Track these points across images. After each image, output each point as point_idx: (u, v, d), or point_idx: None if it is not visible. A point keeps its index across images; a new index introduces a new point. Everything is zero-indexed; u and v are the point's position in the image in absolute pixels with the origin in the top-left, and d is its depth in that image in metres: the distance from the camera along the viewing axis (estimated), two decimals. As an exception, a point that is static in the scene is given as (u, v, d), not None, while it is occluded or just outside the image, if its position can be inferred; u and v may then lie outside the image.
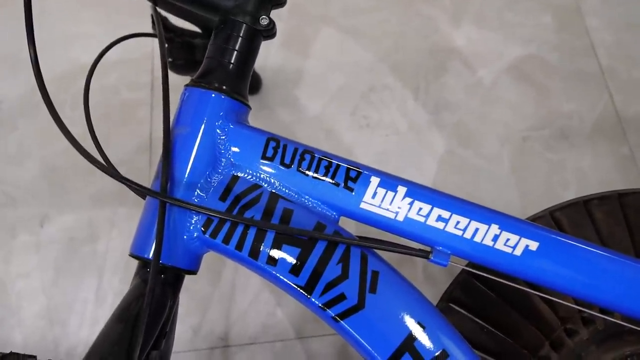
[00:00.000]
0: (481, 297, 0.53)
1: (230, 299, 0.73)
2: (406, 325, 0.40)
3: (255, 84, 0.85)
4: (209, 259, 0.59)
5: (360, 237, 0.41)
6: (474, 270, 0.43)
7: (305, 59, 0.87)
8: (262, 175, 0.43)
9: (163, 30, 0.52)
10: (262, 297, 0.73)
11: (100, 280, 0.75)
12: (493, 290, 0.53)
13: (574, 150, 0.78)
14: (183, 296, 0.65)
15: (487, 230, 0.41)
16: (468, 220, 0.41)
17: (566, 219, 0.53)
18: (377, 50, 0.87)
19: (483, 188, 0.76)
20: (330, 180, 0.42)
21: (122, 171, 0.39)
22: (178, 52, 0.61)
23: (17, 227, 0.81)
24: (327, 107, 0.84)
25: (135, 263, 0.43)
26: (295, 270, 0.41)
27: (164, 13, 0.62)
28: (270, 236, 0.41)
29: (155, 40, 0.60)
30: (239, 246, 0.41)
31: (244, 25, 0.44)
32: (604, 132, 0.79)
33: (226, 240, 0.41)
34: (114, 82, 0.84)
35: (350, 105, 0.83)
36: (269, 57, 0.88)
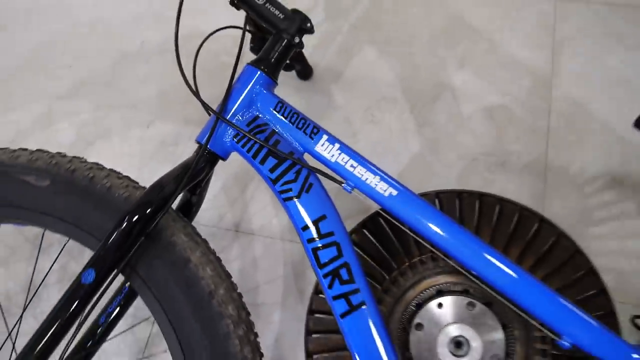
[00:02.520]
0: (380, 228, 0.89)
1: (248, 204, 1.13)
2: (319, 212, 0.77)
3: (308, 73, 1.22)
4: (241, 175, 0.98)
5: (310, 166, 0.78)
6: (381, 212, 0.79)
7: (347, 66, 1.25)
8: (270, 118, 0.81)
9: (251, 27, 0.91)
10: (267, 209, 1.12)
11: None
12: (388, 225, 0.88)
13: (505, 177, 1.10)
14: (221, 197, 1.05)
15: (373, 179, 0.76)
16: (365, 170, 0.77)
17: (444, 199, 0.88)
18: (398, 72, 1.22)
19: (431, 181, 1.11)
20: (302, 131, 0.79)
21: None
22: (257, 42, 1.00)
23: (132, 123, 1.25)
24: (350, 102, 1.21)
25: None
26: (272, 170, 0.78)
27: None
28: (265, 150, 0.79)
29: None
30: (248, 151, 0.79)
31: (285, 40, 0.82)
32: (531, 171, 1.11)
33: (243, 147, 0.80)
34: (216, 48, 1.25)
35: (366, 105, 1.20)
36: (324, 58, 1.26)
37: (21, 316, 0.84)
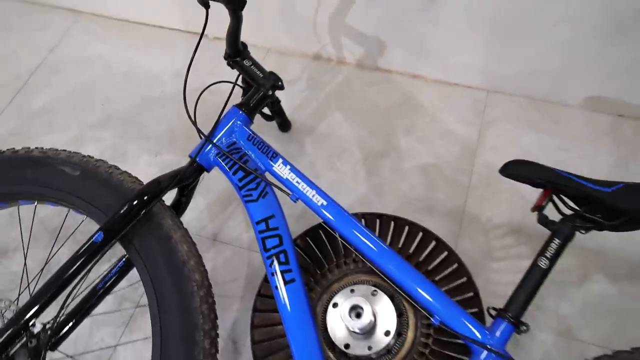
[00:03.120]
0: (318, 236, 1.18)
1: (226, 220, 1.42)
2: (269, 212, 1.06)
3: (287, 126, 1.56)
4: (223, 198, 1.29)
5: (267, 180, 1.09)
6: (322, 225, 1.08)
7: (319, 124, 1.58)
8: (243, 144, 1.12)
9: (242, 82, 1.25)
10: (240, 225, 1.41)
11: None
12: (325, 234, 1.17)
13: (430, 218, 1.39)
14: (205, 213, 1.35)
15: (310, 192, 1.06)
16: (306, 186, 1.06)
17: (368, 218, 1.17)
18: (357, 133, 1.56)
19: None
20: (265, 155, 1.10)
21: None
22: (245, 94, 1.34)
23: (144, 151, 1.57)
24: (317, 151, 1.53)
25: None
26: (240, 180, 1.08)
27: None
28: (237, 166, 1.10)
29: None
30: (226, 165, 1.10)
31: (262, 92, 1.16)
32: (451, 216, 1.40)
33: (222, 162, 1.11)
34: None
35: (329, 154, 1.52)
36: (302, 116, 1.60)
37: (41, 271, 1.12)
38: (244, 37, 1.20)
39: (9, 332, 0.98)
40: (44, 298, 1.00)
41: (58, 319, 1.05)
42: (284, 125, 1.54)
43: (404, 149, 1.52)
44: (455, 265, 1.13)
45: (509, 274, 1.31)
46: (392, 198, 1.43)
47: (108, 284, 1.17)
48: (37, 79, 1.76)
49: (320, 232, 1.20)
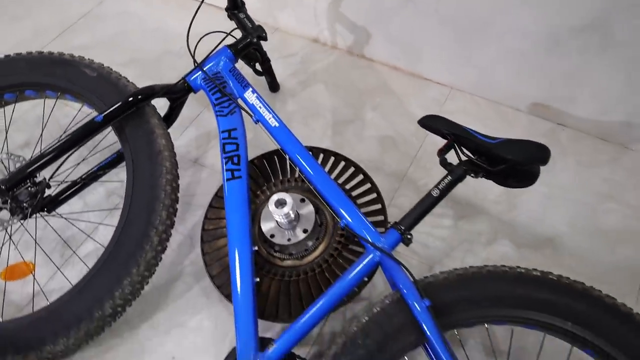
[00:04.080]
0: (272, 158, 1.45)
1: (207, 150, 1.72)
2: (233, 125, 1.35)
3: (276, 87, 1.85)
4: (210, 134, 1.59)
5: (236, 102, 1.38)
6: (279, 151, 1.37)
7: (303, 91, 1.88)
8: (225, 75, 1.41)
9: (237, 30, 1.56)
10: (218, 156, 1.70)
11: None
12: (277, 158, 1.45)
13: (376, 175, 1.65)
14: (192, 143, 1.65)
15: (267, 115, 1.34)
16: (265, 110, 1.35)
17: (314, 151, 1.44)
18: (332, 103, 1.84)
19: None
20: (239, 84, 1.40)
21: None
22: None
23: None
24: (296, 111, 1.82)
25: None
26: (217, 99, 1.38)
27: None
28: (216, 89, 1.39)
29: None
30: (208, 87, 1.40)
31: (249, 39, 1.46)
32: (394, 176, 1.66)
33: (206, 85, 1.41)
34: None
35: (305, 114, 1.81)
36: (290, 83, 1.90)
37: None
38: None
39: (19, 176, 1.29)
40: (48, 156, 1.30)
41: (55, 177, 1.34)
42: (273, 85, 1.84)
43: (368, 120, 1.80)
44: (374, 195, 1.39)
45: (427, 227, 1.55)
46: (348, 155, 1.69)
47: (101, 170, 1.47)
48: (83, 22, 2.11)
49: (275, 156, 1.48)
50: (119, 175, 1.63)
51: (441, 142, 1.29)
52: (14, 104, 1.51)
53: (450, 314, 1.10)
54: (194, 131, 1.76)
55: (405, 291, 1.10)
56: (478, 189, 1.62)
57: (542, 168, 1.67)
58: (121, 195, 1.61)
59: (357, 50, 1.98)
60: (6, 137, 1.59)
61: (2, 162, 1.39)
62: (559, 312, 1.08)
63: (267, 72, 1.76)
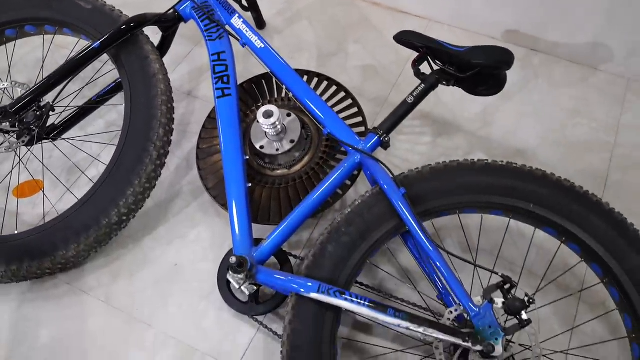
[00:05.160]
0: (260, 81, 1.55)
1: (200, 84, 1.81)
2: (222, 48, 1.44)
3: (262, 24, 1.94)
4: (202, 70, 1.69)
5: (223, 26, 1.47)
6: (266, 74, 1.46)
7: (288, 28, 1.97)
8: (213, 3, 1.50)
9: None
10: (210, 91, 1.80)
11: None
12: (265, 80, 1.55)
13: (359, 99, 1.76)
14: (186, 77, 1.75)
15: (253, 37, 1.43)
16: (252, 34, 1.44)
17: (300, 73, 1.54)
18: (317, 38, 1.93)
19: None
20: (226, 11, 1.49)
21: None
22: None
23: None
24: (282, 47, 1.91)
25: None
26: (206, 26, 1.47)
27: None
28: (205, 16, 1.48)
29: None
30: (197, 16, 1.49)
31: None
32: (376, 101, 1.76)
33: (196, 13, 1.50)
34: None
35: (291, 49, 1.90)
36: (277, 20, 1.98)
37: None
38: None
39: (24, 101, 1.39)
40: (51, 80, 1.40)
41: (58, 101, 1.44)
42: (259, 22, 1.92)
43: (351, 52, 1.89)
44: (355, 109, 1.50)
45: (408, 144, 1.66)
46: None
47: (101, 98, 1.57)
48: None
49: (263, 80, 1.58)
50: (118, 108, 1.73)
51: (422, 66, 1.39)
52: (14, 41, 1.60)
53: (425, 203, 1.22)
54: (187, 66, 1.85)
55: (383, 184, 1.21)
56: (456, 109, 1.73)
57: (515, 89, 1.79)
58: (119, 125, 1.71)
59: (339, -12, 2.07)
60: (9, 70, 1.68)
61: (8, 91, 1.49)
62: (522, 195, 1.20)
63: (253, 7, 1.84)
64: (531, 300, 1.04)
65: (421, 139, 1.68)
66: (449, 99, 1.75)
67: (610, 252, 1.12)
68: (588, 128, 1.69)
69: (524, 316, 1.04)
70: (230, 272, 1.19)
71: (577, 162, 1.61)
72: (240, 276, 1.19)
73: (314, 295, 1.13)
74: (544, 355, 1.13)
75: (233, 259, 1.16)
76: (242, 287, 1.23)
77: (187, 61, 1.87)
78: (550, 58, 1.86)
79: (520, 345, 1.14)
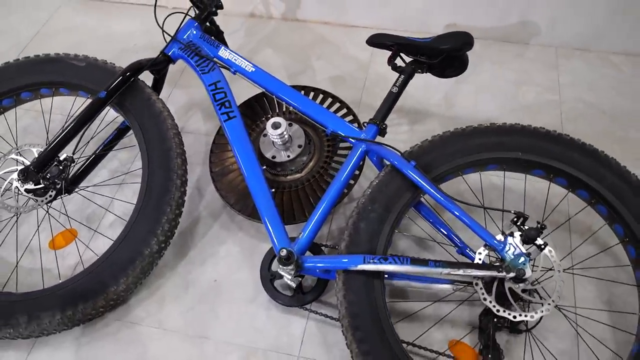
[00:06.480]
0: (261, 99, 1.71)
1: (191, 117, 1.94)
2: (216, 79, 1.59)
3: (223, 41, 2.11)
4: (188, 103, 1.82)
5: (212, 59, 1.62)
6: (265, 94, 1.62)
7: (255, 56, 2.14)
8: (197, 42, 1.65)
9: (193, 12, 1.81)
10: (201, 119, 1.93)
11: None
12: (266, 98, 1.71)
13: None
14: (175, 114, 1.87)
15: (243, 63, 1.60)
16: (241, 60, 1.61)
17: (295, 87, 1.72)
18: (282, 62, 2.12)
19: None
20: (212, 46, 1.65)
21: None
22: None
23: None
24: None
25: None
26: (196, 62, 1.62)
27: None
28: (194, 53, 1.63)
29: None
30: (186, 54, 1.64)
31: (209, 9, 1.71)
32: (352, 105, 1.96)
33: (184, 53, 1.64)
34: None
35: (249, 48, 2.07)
36: (242, 52, 2.15)
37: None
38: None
39: (43, 156, 1.47)
40: (66, 136, 1.49)
41: (77, 153, 1.53)
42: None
43: (317, 68, 2.09)
44: (345, 110, 1.68)
45: (390, 134, 1.86)
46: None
47: (110, 143, 1.67)
48: (35, 42, 2.27)
49: (254, 101, 1.74)
50: (118, 155, 1.83)
51: (382, 68, 1.60)
52: (14, 109, 1.68)
53: (431, 171, 1.41)
54: (171, 107, 1.97)
55: (394, 161, 1.39)
56: (422, 99, 1.96)
57: (466, 74, 2.02)
58: (127, 168, 1.81)
59: (290, 15, 2.27)
60: (16, 136, 1.74)
61: (16, 157, 1.55)
62: (510, 147, 1.41)
63: (222, 43, 2.00)
64: (544, 226, 1.24)
65: (400, 129, 1.89)
66: (414, 91, 1.98)
67: (591, 175, 1.35)
68: (535, 93, 1.96)
69: (539, 241, 1.24)
70: (280, 266, 1.33)
71: (534, 122, 1.85)
72: (291, 267, 1.32)
73: (361, 267, 1.28)
74: (564, 270, 1.33)
75: (283, 252, 1.30)
76: (291, 280, 1.37)
77: (170, 102, 1.99)
78: (488, 42, 2.14)
79: (543, 268, 1.34)
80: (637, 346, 1.25)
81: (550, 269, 1.28)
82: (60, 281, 1.43)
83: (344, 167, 1.45)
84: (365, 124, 1.53)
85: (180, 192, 1.49)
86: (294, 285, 1.40)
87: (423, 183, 1.35)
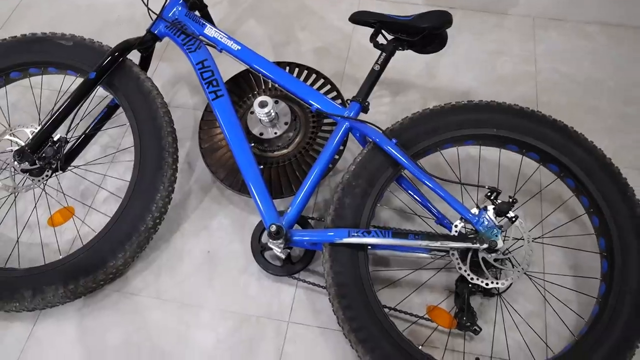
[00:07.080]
0: (246, 75, 1.76)
1: (177, 91, 1.98)
2: (203, 57, 1.63)
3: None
4: (175, 76, 1.85)
5: (199, 37, 1.65)
6: (248, 70, 1.66)
7: (239, 28, 2.16)
8: (183, 19, 1.67)
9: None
10: (188, 94, 1.97)
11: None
12: (251, 75, 1.75)
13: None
14: (161, 89, 1.90)
15: (228, 42, 1.63)
16: (227, 39, 1.64)
17: (280, 64, 1.76)
18: (266, 31, 2.14)
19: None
20: (197, 23, 1.67)
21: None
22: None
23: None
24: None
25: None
26: (183, 40, 1.64)
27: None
28: (180, 31, 1.66)
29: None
30: (172, 32, 1.66)
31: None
32: (335, 77, 2.01)
33: (170, 31, 1.67)
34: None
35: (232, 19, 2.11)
36: (225, 24, 2.17)
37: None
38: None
39: (37, 137, 1.51)
40: (59, 117, 1.53)
41: (70, 133, 1.58)
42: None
43: (301, 39, 2.12)
44: (334, 93, 1.74)
45: (372, 107, 1.92)
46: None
47: (101, 121, 1.71)
48: (17, 14, 2.26)
49: (240, 78, 1.78)
50: (108, 132, 1.87)
51: (364, 40, 1.64)
52: (4, 87, 1.70)
53: (412, 147, 1.48)
54: (158, 81, 1.99)
55: (375, 139, 1.47)
56: (403, 70, 2.01)
57: (446, 44, 2.08)
58: (115, 146, 1.86)
59: (272, -16, 2.28)
60: (5, 115, 1.78)
61: (10, 138, 1.59)
62: (485, 124, 1.49)
63: (206, 17, 2.02)
64: (515, 200, 1.34)
65: (382, 100, 1.95)
66: (395, 63, 2.01)
67: (561, 150, 1.45)
68: (512, 64, 2.03)
69: (511, 214, 1.34)
70: (270, 240, 1.41)
71: (511, 93, 1.95)
72: (280, 241, 1.41)
73: (346, 240, 1.37)
74: (534, 240, 1.44)
75: (273, 227, 1.38)
76: (280, 252, 1.46)
77: (155, 77, 2.02)
78: (467, 12, 2.19)
79: (514, 238, 1.44)
80: (597, 308, 1.37)
81: (521, 239, 1.38)
82: (61, 256, 1.50)
83: (329, 144, 1.52)
84: (348, 102, 1.59)
85: (172, 169, 1.56)
86: (283, 256, 1.50)
87: (404, 160, 1.42)
